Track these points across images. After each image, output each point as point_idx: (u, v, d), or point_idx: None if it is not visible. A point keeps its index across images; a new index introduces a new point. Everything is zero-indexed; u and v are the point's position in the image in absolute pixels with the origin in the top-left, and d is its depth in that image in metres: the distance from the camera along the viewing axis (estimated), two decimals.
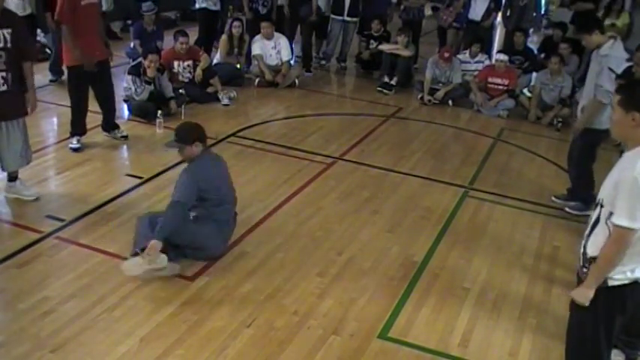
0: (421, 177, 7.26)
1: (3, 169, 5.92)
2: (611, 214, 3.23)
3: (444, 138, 8.90)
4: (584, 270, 3.45)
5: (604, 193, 3.31)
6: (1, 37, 5.40)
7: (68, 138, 7.24)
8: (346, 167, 7.39)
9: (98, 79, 7.18)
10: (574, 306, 3.54)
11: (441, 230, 6.05)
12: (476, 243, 5.89)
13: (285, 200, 6.39)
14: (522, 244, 5.94)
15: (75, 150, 7.14)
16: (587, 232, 3.48)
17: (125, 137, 7.60)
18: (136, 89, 8.22)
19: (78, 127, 7.23)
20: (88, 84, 7.17)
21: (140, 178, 6.60)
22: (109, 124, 7.59)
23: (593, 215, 3.39)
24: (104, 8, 10.18)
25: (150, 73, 8.21)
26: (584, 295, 3.40)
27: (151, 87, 8.26)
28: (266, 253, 5.40)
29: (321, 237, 5.76)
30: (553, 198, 6.84)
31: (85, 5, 6.80)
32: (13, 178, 5.99)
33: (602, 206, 3.29)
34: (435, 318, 4.75)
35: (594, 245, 3.38)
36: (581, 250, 3.50)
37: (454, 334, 4.60)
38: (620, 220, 3.16)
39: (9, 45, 5.44)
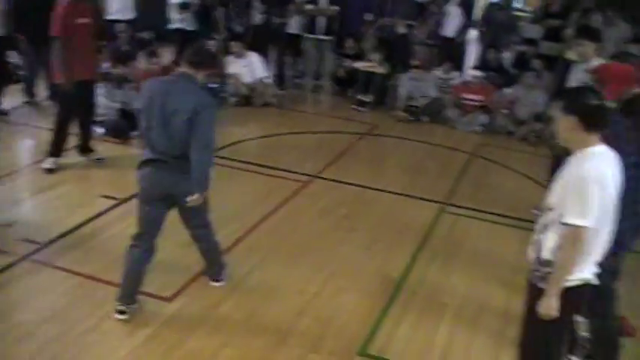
0: (398, 193, 7.28)
1: None
2: (561, 215, 3.28)
3: (419, 154, 8.94)
4: (537, 273, 3.49)
5: (553, 197, 3.38)
6: None
7: (42, 159, 7.15)
8: (323, 185, 7.39)
9: (84, 100, 7.14)
10: (526, 308, 3.59)
11: (418, 246, 6.07)
12: (454, 258, 5.91)
13: (262, 219, 6.37)
14: (500, 258, 5.96)
15: (50, 171, 7.05)
16: (535, 237, 3.53)
17: (100, 160, 7.53)
18: (106, 92, 8.24)
19: (58, 147, 7.15)
20: (76, 103, 7.10)
21: (115, 199, 6.55)
22: (87, 146, 7.52)
23: (542, 221, 3.44)
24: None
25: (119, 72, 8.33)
26: (549, 305, 3.41)
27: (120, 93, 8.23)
28: (244, 272, 5.38)
29: (299, 255, 5.75)
30: (533, 210, 6.88)
31: (79, 24, 6.79)
32: None
33: (551, 210, 3.34)
34: (414, 333, 4.75)
35: (547, 249, 3.42)
36: (532, 255, 3.54)
37: (434, 349, 4.60)
38: (571, 219, 3.22)
39: None
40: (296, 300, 5.04)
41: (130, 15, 10.69)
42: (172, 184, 4.53)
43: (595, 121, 3.27)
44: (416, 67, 10.30)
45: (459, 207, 7.04)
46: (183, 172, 4.46)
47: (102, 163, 7.49)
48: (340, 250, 5.90)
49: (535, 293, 3.51)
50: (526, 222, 6.73)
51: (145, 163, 4.55)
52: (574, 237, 3.25)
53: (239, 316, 4.78)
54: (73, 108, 7.12)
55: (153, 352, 4.32)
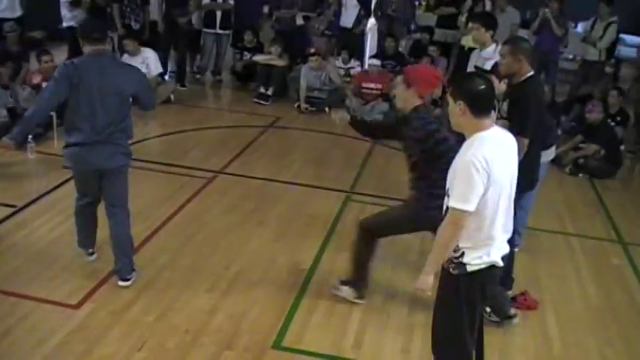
0: (303, 185, 7.33)
1: None
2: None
3: (323, 145, 9.02)
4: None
5: (448, 182, 3.44)
6: None
7: None
8: (228, 180, 7.36)
9: None
10: (437, 294, 3.66)
11: (326, 236, 6.13)
12: None
13: (168, 218, 6.29)
14: (406, 243, 6.07)
15: None
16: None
17: None
18: None
19: None
20: None
21: (14, 206, 6.33)
22: None
23: (445, 205, 3.50)
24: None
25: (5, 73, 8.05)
26: (424, 282, 3.58)
27: (8, 94, 7.95)
28: (152, 273, 5.30)
29: (207, 252, 5.71)
30: None
31: None
32: None
33: (448, 196, 3.42)
34: (327, 323, 4.81)
35: None
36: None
37: (347, 336, 4.67)
38: (454, 202, 3.31)
39: None
40: (207, 298, 5.01)
41: (17, 13, 10.31)
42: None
43: (483, 105, 3.37)
44: (313, 54, 10.34)
45: (365, 195, 7.15)
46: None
47: None
48: (249, 244, 5.89)
49: (441, 276, 3.62)
50: None
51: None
52: (454, 219, 3.34)
53: (150, 318, 4.71)
54: None
55: None
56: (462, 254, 3.44)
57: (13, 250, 5.54)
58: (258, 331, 4.65)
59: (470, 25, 7.16)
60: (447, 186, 3.42)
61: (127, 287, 5.05)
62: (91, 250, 5.43)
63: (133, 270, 5.15)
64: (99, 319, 4.65)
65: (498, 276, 3.71)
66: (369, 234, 5.02)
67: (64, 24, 10.55)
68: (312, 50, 10.52)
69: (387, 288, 5.33)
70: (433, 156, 4.54)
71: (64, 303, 4.81)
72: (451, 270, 3.50)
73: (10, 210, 6.25)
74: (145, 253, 5.63)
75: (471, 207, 3.27)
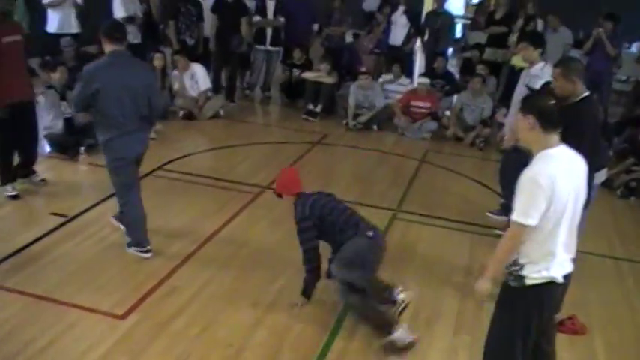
0: (349, 202, 7.22)
1: None
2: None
3: (370, 162, 9.00)
4: (506, 270, 3.63)
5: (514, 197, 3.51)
6: None
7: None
8: (275, 196, 7.36)
9: (20, 123, 6.68)
10: (495, 306, 3.75)
11: None
12: (406, 264, 5.95)
13: (214, 232, 6.33)
14: (452, 263, 6.03)
15: (15, 197, 6.78)
16: None
17: (44, 181, 7.22)
18: (49, 105, 8.08)
19: (8, 173, 6.83)
20: (16, 127, 6.65)
21: (65, 216, 6.45)
22: (28, 171, 7.13)
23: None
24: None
25: (59, 78, 8.22)
26: (481, 286, 3.67)
27: (65, 103, 8.11)
28: (197, 287, 5.33)
29: (252, 267, 5.72)
30: (487, 214, 6.98)
31: (7, 43, 6.37)
32: None
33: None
34: (370, 341, 4.77)
35: None
36: None
37: (390, 355, 4.62)
38: (515, 216, 3.40)
39: None
40: (251, 312, 5.02)
41: (74, 29, 10.55)
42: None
43: (552, 120, 3.44)
44: (363, 73, 10.36)
45: (411, 213, 7.10)
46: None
47: (45, 184, 7.20)
48: (294, 260, 5.86)
49: (501, 288, 3.70)
50: (476, 226, 6.84)
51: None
52: (513, 233, 3.45)
53: (194, 331, 4.73)
54: (12, 132, 6.64)
55: None
56: (522, 267, 3.51)
57: (62, 260, 5.64)
58: (300, 348, 4.63)
59: (519, 45, 7.12)
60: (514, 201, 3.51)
61: (170, 300, 5.09)
62: (149, 247, 5.80)
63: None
64: (143, 331, 4.70)
65: (559, 293, 3.72)
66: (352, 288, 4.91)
67: None
68: (363, 69, 10.52)
69: (432, 306, 5.27)
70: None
71: (110, 313, 4.87)
72: (510, 282, 3.58)
73: (61, 220, 6.37)
74: (191, 266, 5.67)
75: (531, 222, 3.36)
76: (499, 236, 6.51)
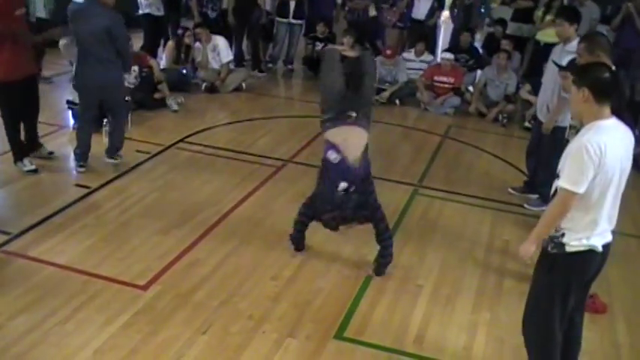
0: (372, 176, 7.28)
1: None
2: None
3: (392, 137, 8.97)
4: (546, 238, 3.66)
5: (560, 164, 3.54)
6: None
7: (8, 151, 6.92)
8: (297, 169, 7.39)
9: (26, 96, 6.64)
10: (534, 273, 3.80)
11: (392, 228, 6.06)
12: (428, 240, 5.95)
13: (236, 204, 6.36)
14: (473, 239, 6.02)
15: (34, 172, 6.74)
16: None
17: (51, 153, 7.16)
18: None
19: (20, 148, 6.79)
20: (22, 100, 6.61)
21: (88, 187, 6.50)
22: (34, 143, 7.05)
23: (553, 187, 3.60)
24: (43, 16, 9.99)
25: None
26: (525, 249, 3.72)
27: None
28: (219, 259, 5.37)
29: (274, 240, 5.74)
30: (510, 190, 6.97)
31: (18, 16, 6.35)
32: None
33: (558, 177, 3.51)
34: (390, 316, 4.78)
35: None
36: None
37: (409, 331, 4.64)
38: (563, 182, 3.42)
39: None
40: (272, 285, 5.05)
41: None
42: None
43: (606, 92, 3.45)
44: (389, 57, 10.27)
45: (433, 189, 7.08)
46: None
47: (53, 157, 7.16)
48: (315, 234, 5.89)
49: (539, 255, 3.76)
50: (499, 202, 6.82)
51: None
52: (561, 200, 3.48)
53: (215, 302, 4.77)
54: (19, 107, 6.62)
55: (130, 339, 4.31)
56: (563, 235, 3.55)
57: (86, 230, 5.69)
58: (321, 321, 4.66)
59: (553, 20, 6.97)
60: (559, 168, 3.52)
61: (192, 271, 5.14)
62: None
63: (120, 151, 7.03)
64: (165, 301, 4.74)
65: (598, 263, 3.71)
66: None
67: (140, 11, 10.76)
68: (389, 52, 10.36)
69: (452, 283, 5.27)
70: None
71: (132, 283, 4.92)
72: (550, 249, 3.62)
73: (84, 191, 6.42)
74: (212, 239, 5.71)
75: (579, 189, 3.39)
76: (521, 210, 6.55)
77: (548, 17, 10.31)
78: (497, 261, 5.71)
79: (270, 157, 7.63)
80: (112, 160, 7.05)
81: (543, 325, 3.75)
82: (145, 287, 4.89)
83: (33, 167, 6.78)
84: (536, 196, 6.72)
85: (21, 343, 4.20)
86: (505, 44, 10.37)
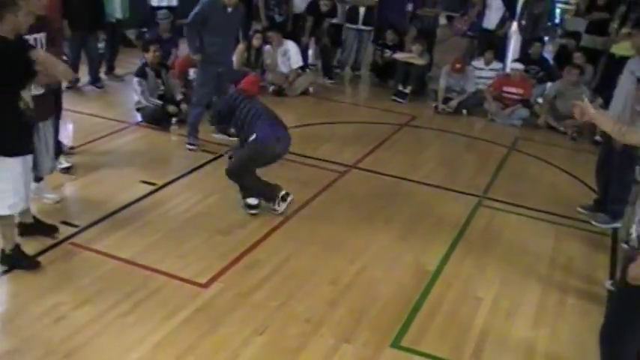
0: (435, 186, 7.24)
1: (38, 173, 5.71)
2: None
3: (457, 147, 8.89)
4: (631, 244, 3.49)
5: None
6: (38, 41, 5.22)
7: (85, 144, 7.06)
8: (359, 175, 7.38)
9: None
10: (622, 285, 3.55)
11: (454, 239, 6.03)
12: (489, 252, 5.86)
13: (298, 208, 6.38)
14: (536, 254, 5.91)
15: (67, 170, 6.69)
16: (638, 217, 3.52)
17: (68, 169, 6.75)
18: (143, 91, 8.23)
19: (59, 144, 6.60)
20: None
21: (154, 184, 6.62)
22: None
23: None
24: (119, 16, 10.26)
25: (151, 59, 8.37)
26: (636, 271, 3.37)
27: (160, 81, 8.31)
28: (279, 261, 5.40)
29: (334, 245, 5.75)
30: (578, 208, 6.79)
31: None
32: (38, 179, 5.85)
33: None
34: (448, 326, 4.73)
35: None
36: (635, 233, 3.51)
37: (467, 343, 4.58)
38: None
39: (44, 48, 5.27)
40: (330, 290, 5.05)
41: (173, 2, 10.80)
42: None
43: None
44: (458, 70, 10.17)
45: (497, 201, 6.98)
46: None
47: (72, 173, 6.73)
48: (375, 241, 5.89)
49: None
50: (564, 217, 6.68)
51: None
52: None
53: (273, 304, 4.80)
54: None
55: (189, 336, 4.36)
56: None
57: (150, 226, 5.80)
58: (378, 328, 4.64)
59: (629, 32, 6.76)
60: None
61: (252, 272, 5.18)
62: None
63: None
64: (225, 300, 4.79)
65: None
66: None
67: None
68: (458, 65, 10.23)
69: (513, 297, 5.18)
70: None
71: (193, 281, 4.98)
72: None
73: (151, 188, 6.55)
74: (273, 240, 5.74)
75: None
76: (587, 226, 6.41)
77: (624, 30, 10.07)
78: (560, 277, 5.59)
79: (333, 162, 7.64)
80: None
81: (619, 346, 3.59)
82: (205, 285, 4.95)
83: (69, 165, 6.76)
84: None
85: (82, 334, 4.30)
86: (577, 57, 10.16)
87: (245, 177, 6.14)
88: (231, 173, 6.15)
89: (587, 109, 3.58)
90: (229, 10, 7.19)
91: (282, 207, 6.14)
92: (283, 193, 6.13)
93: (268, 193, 6.17)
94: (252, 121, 6.11)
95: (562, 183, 7.72)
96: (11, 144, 4.66)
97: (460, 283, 5.30)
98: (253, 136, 6.04)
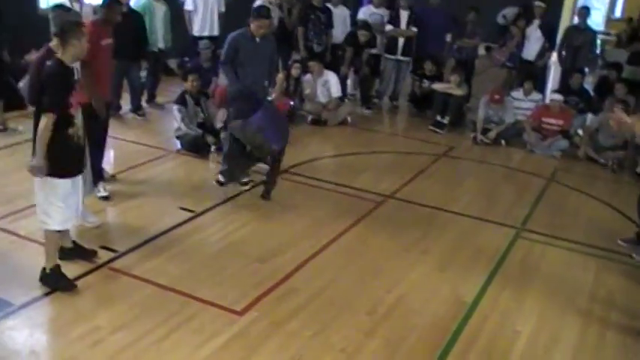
0: (472, 217, 7.19)
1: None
2: None
3: (496, 178, 8.83)
4: None
5: None
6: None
7: (103, 180, 6.93)
8: (397, 205, 7.36)
9: (102, 121, 6.58)
10: None
11: (492, 271, 5.97)
12: (528, 284, 5.79)
13: (335, 237, 6.38)
14: (575, 287, 5.82)
15: (106, 198, 6.77)
16: None
17: (106, 198, 6.81)
18: (182, 118, 8.34)
19: (101, 171, 6.83)
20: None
21: (192, 211, 6.68)
22: (97, 177, 6.72)
23: None
24: (161, 46, 10.44)
25: (190, 88, 8.46)
26: None
27: (199, 109, 8.40)
28: (315, 290, 5.39)
29: (370, 275, 5.73)
30: (619, 241, 6.69)
31: (105, 46, 6.50)
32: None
33: None
34: None
35: None
36: None
37: None
38: None
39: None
40: (366, 320, 5.02)
41: (215, 32, 10.96)
42: None
43: None
44: (497, 102, 10.13)
45: (535, 232, 6.90)
46: None
47: (110, 202, 6.79)
48: (412, 271, 5.85)
49: None
50: (604, 250, 6.57)
51: None
52: None
53: (308, 333, 4.79)
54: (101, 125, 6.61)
55: None
56: None
57: (187, 253, 5.84)
58: (414, 359, 4.59)
59: None
60: None
61: (288, 300, 5.17)
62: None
63: None
64: (260, 328, 4.79)
65: None
66: None
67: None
68: (497, 97, 10.20)
69: (551, 331, 5.09)
70: None
71: (229, 308, 4.99)
72: None
73: (189, 215, 6.60)
74: (310, 269, 5.74)
75: None
76: (629, 260, 6.30)
77: None
78: (600, 311, 5.50)
79: (371, 192, 7.63)
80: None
81: None
82: (241, 313, 4.96)
83: (106, 194, 6.80)
84: None
85: (119, 358, 4.32)
86: (619, 88, 10.07)
87: (232, 147, 7.09)
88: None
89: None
90: (258, 40, 7.22)
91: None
92: (246, 180, 7.34)
93: (236, 173, 7.21)
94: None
95: (602, 215, 7.61)
96: (61, 167, 4.87)
97: (498, 315, 5.24)
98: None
